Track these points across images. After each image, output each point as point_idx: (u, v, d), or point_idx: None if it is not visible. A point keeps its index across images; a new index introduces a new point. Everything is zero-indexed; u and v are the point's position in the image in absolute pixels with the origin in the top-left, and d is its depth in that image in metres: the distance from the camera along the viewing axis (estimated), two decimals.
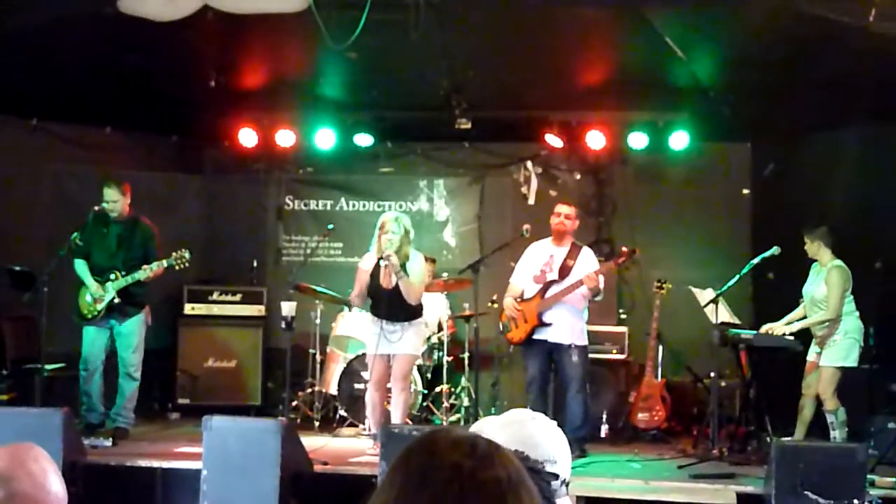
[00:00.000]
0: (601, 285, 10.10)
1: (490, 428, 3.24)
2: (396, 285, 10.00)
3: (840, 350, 9.93)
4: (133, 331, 10.69)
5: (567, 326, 10.15)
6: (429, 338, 11.74)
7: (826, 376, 9.96)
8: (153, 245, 10.66)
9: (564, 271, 10.26)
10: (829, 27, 9.60)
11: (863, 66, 10.18)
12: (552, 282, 10.26)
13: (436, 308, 12.04)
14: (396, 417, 10.13)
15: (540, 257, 10.47)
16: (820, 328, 10.09)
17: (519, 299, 10.36)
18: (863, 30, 9.39)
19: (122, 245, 10.65)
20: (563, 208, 10.52)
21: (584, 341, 10.31)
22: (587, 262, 10.27)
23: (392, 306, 10.10)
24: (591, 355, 10.69)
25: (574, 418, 10.02)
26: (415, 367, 11.33)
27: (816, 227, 10.27)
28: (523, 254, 10.65)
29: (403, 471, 1.89)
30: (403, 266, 9.98)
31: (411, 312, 10.18)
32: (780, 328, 10.33)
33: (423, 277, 10.28)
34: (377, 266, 10.12)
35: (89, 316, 10.53)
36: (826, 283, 10.05)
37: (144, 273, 10.37)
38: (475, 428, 3.33)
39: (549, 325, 10.16)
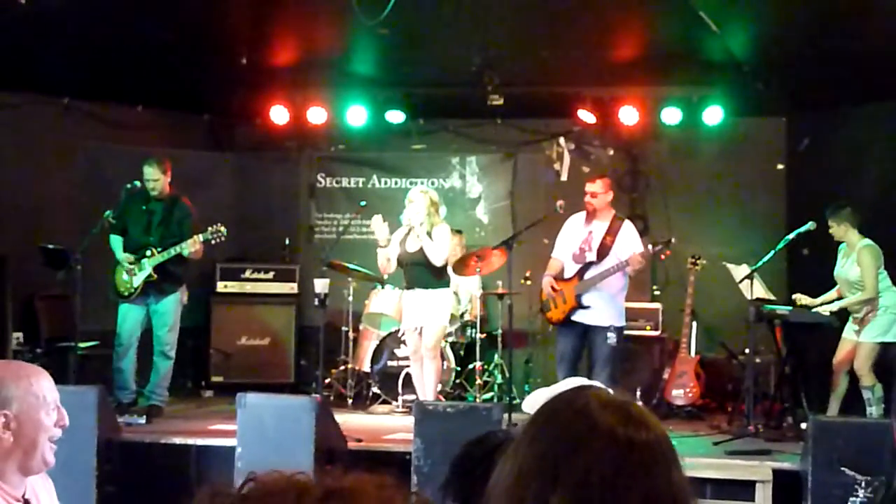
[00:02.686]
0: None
1: (544, 399, 3.20)
2: (420, 251, 10.20)
3: (880, 325, 9.87)
4: (169, 309, 10.70)
5: (605, 309, 10.03)
6: (462, 314, 11.75)
7: (865, 352, 9.89)
8: (188, 224, 10.65)
9: (603, 250, 10.09)
10: None
11: None
12: (590, 263, 10.15)
13: (467, 284, 12.04)
14: (429, 386, 10.20)
15: (578, 233, 10.29)
16: (859, 309, 10.01)
17: (558, 279, 10.26)
18: None
19: (160, 223, 10.66)
20: (588, 186, 10.32)
21: (622, 321, 10.18)
22: (628, 239, 10.10)
23: (417, 272, 10.32)
24: (625, 332, 10.64)
25: None
26: (448, 345, 11.37)
27: (840, 209, 10.16)
28: (562, 228, 10.52)
29: (552, 430, 1.86)
30: (430, 234, 10.21)
31: (436, 279, 10.32)
32: (818, 306, 10.27)
33: (446, 242, 10.35)
34: (406, 236, 10.28)
35: (126, 293, 10.55)
36: (859, 264, 9.97)
37: (182, 249, 10.36)
38: (533, 399, 3.29)
39: (587, 307, 10.07)
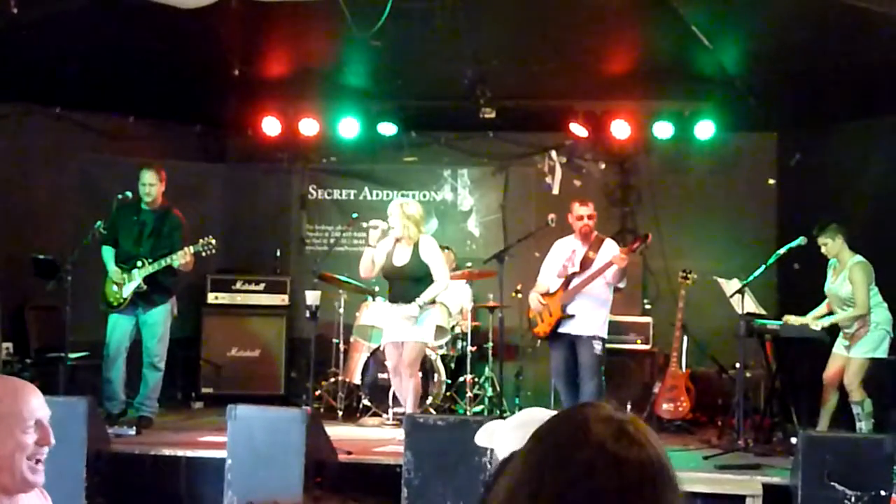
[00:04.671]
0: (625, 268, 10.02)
1: (503, 430, 3.18)
2: (407, 264, 10.11)
3: (870, 341, 9.89)
4: (159, 320, 10.69)
5: (590, 318, 10.04)
6: (452, 327, 11.73)
7: (855, 367, 9.91)
8: (179, 235, 10.65)
9: (586, 263, 10.13)
10: (856, 15, 9.52)
11: (890, 55, 10.10)
12: (574, 274, 10.16)
13: (459, 297, 12.03)
14: (408, 404, 10.14)
15: (563, 254, 10.35)
16: (850, 325, 10.02)
17: (544, 294, 10.27)
18: (891, 19, 9.32)
19: (151, 234, 10.65)
20: (584, 209, 10.23)
21: (605, 333, 10.19)
22: (609, 254, 10.14)
23: (403, 287, 10.19)
24: (615, 346, 10.65)
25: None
26: (438, 357, 11.34)
27: (828, 225, 10.17)
28: (550, 250, 10.53)
29: (546, 443, 1.83)
30: (416, 247, 10.12)
31: (421, 295, 10.21)
32: (808, 321, 10.28)
33: (439, 256, 10.28)
34: (393, 246, 10.22)
35: (115, 304, 10.53)
36: (851, 281, 9.99)
37: (173, 260, 10.36)
38: (486, 431, 3.28)
39: (572, 316, 10.07)
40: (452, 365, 12.03)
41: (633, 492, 1.74)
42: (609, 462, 1.74)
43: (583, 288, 10.00)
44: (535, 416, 3.25)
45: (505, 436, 3.18)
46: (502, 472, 2.05)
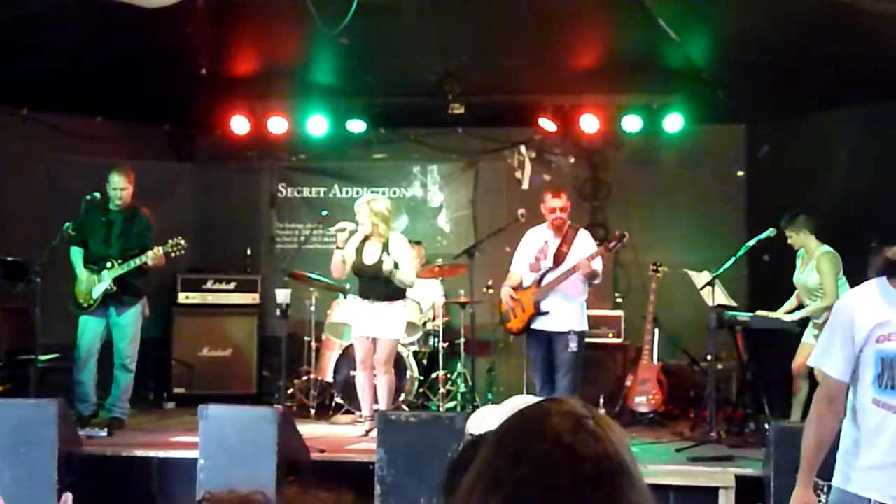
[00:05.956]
0: (599, 269, 9.94)
1: (492, 416, 3.19)
2: (377, 263, 10.15)
3: None
4: (130, 321, 10.64)
5: (565, 314, 9.97)
6: (424, 323, 11.73)
7: None
8: (149, 236, 10.61)
9: (559, 258, 10.06)
10: (824, 6, 9.57)
11: (858, 46, 10.13)
12: (547, 270, 10.13)
13: (430, 293, 12.03)
14: (382, 400, 10.17)
15: (535, 244, 10.27)
16: (820, 316, 10.05)
17: (516, 288, 10.23)
18: (858, 9, 9.35)
19: (120, 234, 10.60)
20: (557, 201, 10.09)
21: (583, 326, 10.09)
22: (583, 246, 10.09)
23: (374, 285, 10.25)
24: (587, 339, 10.65)
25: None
26: (410, 354, 11.35)
27: (795, 217, 10.19)
28: (521, 240, 10.49)
29: (505, 437, 1.81)
30: (386, 245, 10.20)
31: (392, 292, 10.28)
32: (780, 316, 10.31)
33: (407, 254, 10.36)
34: (362, 243, 10.26)
35: (85, 305, 10.49)
36: (818, 271, 10.01)
37: (142, 261, 10.33)
38: (476, 418, 3.29)
39: (546, 313, 10.03)
40: (425, 361, 12.02)
41: (588, 486, 1.71)
42: (565, 455, 1.72)
43: (557, 285, 9.95)
44: (524, 403, 3.26)
45: (496, 421, 3.18)
46: (468, 458, 2.03)
